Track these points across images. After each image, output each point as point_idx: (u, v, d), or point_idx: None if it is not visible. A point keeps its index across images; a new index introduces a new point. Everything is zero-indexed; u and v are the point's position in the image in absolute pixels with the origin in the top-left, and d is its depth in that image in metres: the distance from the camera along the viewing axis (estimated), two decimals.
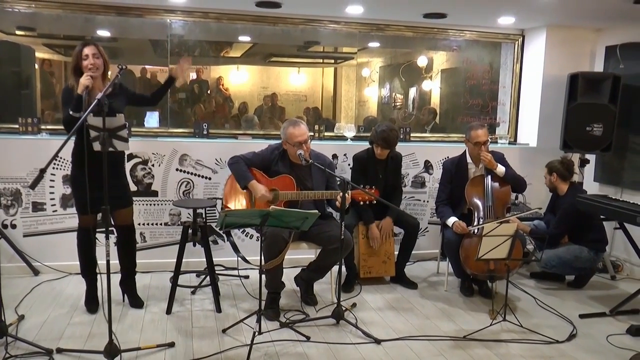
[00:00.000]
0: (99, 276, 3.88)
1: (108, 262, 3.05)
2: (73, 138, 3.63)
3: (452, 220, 4.47)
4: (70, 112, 3.46)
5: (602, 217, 4.58)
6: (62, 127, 4.78)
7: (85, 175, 3.14)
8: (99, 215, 3.89)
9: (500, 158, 4.71)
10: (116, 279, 4.05)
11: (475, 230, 4.32)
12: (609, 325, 4.04)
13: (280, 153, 4.19)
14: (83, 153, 3.14)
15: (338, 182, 4.15)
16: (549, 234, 4.61)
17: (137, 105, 4.28)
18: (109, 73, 3.79)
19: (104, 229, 3.16)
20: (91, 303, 3.98)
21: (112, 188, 3.30)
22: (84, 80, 3.44)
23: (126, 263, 4.05)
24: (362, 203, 4.10)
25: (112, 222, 3.92)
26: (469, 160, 4.70)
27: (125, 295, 4.12)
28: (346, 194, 3.77)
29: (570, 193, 4.68)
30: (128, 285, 4.11)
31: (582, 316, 4.14)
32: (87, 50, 3.58)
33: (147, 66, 6.88)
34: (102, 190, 3.01)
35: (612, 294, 4.71)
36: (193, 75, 7.46)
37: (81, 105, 3.36)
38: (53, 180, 4.65)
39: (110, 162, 3.17)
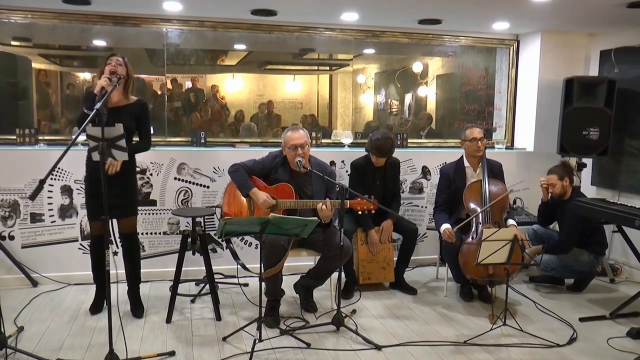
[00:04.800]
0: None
1: (108, 272, 3.05)
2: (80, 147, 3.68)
3: (443, 227, 4.47)
4: (85, 110, 3.59)
5: (602, 220, 4.59)
6: (59, 137, 4.88)
7: (91, 182, 3.20)
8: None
9: (498, 168, 4.73)
10: (123, 288, 4.09)
11: (475, 235, 4.32)
12: (610, 328, 4.04)
13: (281, 160, 4.19)
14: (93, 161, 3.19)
15: (337, 190, 4.15)
16: (563, 241, 4.64)
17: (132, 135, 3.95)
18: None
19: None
20: (94, 306, 4.07)
21: (118, 196, 3.35)
22: (101, 81, 3.63)
23: (130, 270, 4.07)
24: (360, 212, 4.10)
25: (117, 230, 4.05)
26: (466, 164, 4.72)
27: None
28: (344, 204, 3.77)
29: (574, 196, 4.68)
30: (133, 294, 4.11)
31: (582, 319, 4.14)
32: (113, 58, 3.77)
33: (142, 75, 6.89)
34: (108, 198, 3.07)
35: (612, 297, 4.72)
36: (188, 84, 7.48)
37: (94, 104, 3.44)
38: (51, 191, 4.64)
39: (120, 171, 3.37)
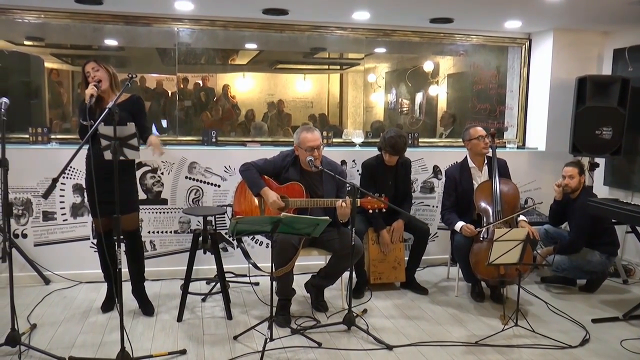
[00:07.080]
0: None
1: (120, 270, 3.07)
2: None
3: (459, 224, 4.45)
4: (82, 122, 3.67)
5: (613, 220, 4.55)
6: (71, 136, 4.93)
7: (93, 179, 3.26)
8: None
9: (503, 166, 4.70)
10: (129, 287, 4.09)
11: (485, 235, 4.31)
12: (623, 329, 4.00)
13: (292, 160, 4.18)
14: (93, 158, 3.24)
15: (348, 189, 4.15)
16: (572, 240, 4.60)
17: None
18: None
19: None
20: (106, 303, 4.12)
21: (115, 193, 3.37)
22: (88, 89, 3.70)
23: (132, 269, 4.07)
24: (371, 211, 4.09)
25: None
26: (471, 164, 4.69)
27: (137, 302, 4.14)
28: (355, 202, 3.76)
29: (584, 195, 4.65)
30: (138, 292, 4.12)
31: (594, 321, 4.11)
32: (87, 68, 3.81)
33: (153, 75, 6.91)
34: (108, 195, 3.10)
35: (625, 298, 4.68)
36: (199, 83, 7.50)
37: (86, 114, 3.54)
38: (63, 190, 4.67)
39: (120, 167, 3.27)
